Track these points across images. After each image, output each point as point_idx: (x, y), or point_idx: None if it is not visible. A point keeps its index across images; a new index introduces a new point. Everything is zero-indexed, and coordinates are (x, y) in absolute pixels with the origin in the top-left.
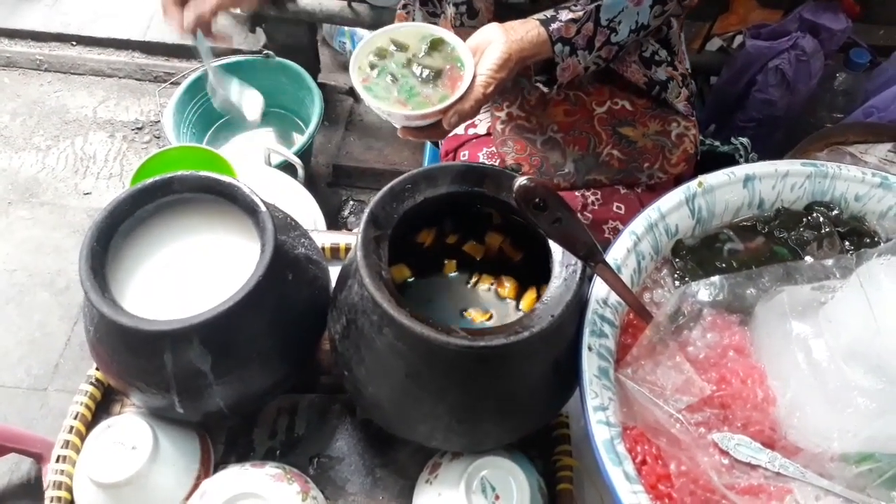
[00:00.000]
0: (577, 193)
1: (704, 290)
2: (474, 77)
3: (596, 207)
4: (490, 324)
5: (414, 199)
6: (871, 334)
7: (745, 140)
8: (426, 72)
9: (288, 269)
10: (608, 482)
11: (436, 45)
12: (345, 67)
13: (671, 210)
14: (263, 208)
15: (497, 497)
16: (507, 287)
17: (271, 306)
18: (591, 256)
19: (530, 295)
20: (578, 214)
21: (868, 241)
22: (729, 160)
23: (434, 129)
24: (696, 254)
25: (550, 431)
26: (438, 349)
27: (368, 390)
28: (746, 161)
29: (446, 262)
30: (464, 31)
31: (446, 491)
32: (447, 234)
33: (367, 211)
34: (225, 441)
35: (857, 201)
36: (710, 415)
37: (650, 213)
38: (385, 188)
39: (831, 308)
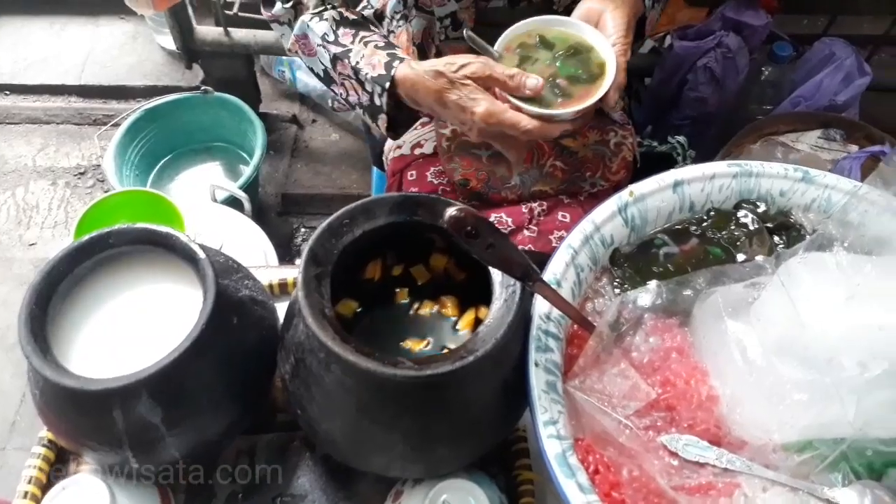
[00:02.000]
0: (523, 208)
1: (643, 295)
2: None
3: (542, 218)
4: (428, 349)
5: (353, 234)
6: (796, 329)
7: (681, 138)
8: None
9: (233, 313)
10: (562, 495)
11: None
12: (286, 96)
13: (605, 221)
14: (202, 255)
15: None
16: (450, 307)
17: (218, 352)
18: (528, 276)
19: (468, 315)
20: (526, 226)
21: (795, 234)
22: (667, 159)
23: (584, 119)
24: (633, 261)
25: (510, 447)
26: (386, 382)
27: (322, 427)
28: (684, 159)
29: (397, 290)
30: (449, 44)
31: None
32: (393, 264)
33: (306, 249)
34: (185, 490)
35: (782, 196)
36: (658, 418)
37: (585, 225)
38: (323, 225)
39: (759, 306)
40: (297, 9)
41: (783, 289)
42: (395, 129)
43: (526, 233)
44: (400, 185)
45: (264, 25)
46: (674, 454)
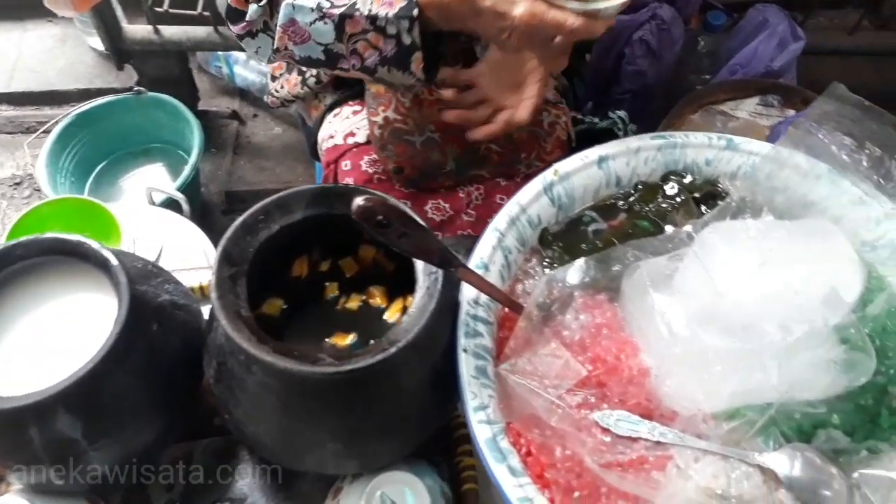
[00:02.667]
0: (460, 193)
1: (572, 273)
2: None
3: (480, 202)
4: (354, 343)
5: (269, 230)
6: (713, 299)
7: (622, 113)
8: None
9: (152, 319)
10: (493, 480)
11: None
12: (225, 92)
13: (531, 202)
14: (115, 262)
15: None
16: (378, 297)
17: (138, 360)
18: (448, 262)
19: (397, 305)
20: (465, 211)
21: (723, 202)
22: (609, 135)
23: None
24: (562, 239)
25: (452, 433)
26: (307, 380)
27: (250, 430)
28: (625, 133)
29: (327, 285)
30: None
31: None
32: (320, 259)
33: (218, 249)
34: (120, 502)
35: (708, 165)
36: (589, 395)
37: (511, 207)
38: (236, 223)
39: (679, 278)
40: (272, 5)
41: (698, 260)
42: (429, 71)
43: (465, 217)
44: (336, 176)
45: (196, 21)
46: (606, 431)
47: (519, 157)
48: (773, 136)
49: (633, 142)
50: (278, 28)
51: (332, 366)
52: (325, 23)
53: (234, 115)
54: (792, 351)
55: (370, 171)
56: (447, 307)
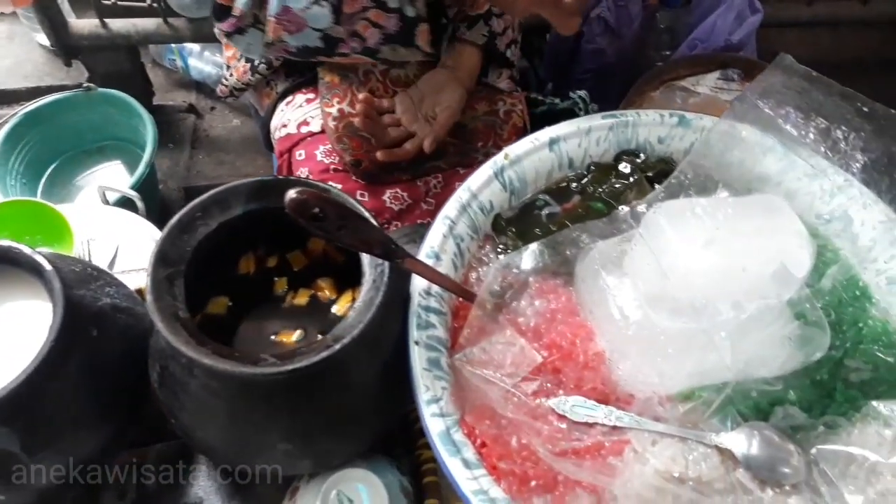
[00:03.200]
0: (419, 182)
1: (526, 259)
2: None
3: (438, 191)
4: (300, 339)
5: (208, 227)
6: (661, 281)
7: (582, 93)
8: None
9: (91, 324)
10: (447, 473)
11: None
12: (181, 85)
13: (482, 187)
14: (48, 267)
15: None
16: (327, 289)
17: (76, 368)
18: (393, 254)
19: (346, 298)
20: (423, 200)
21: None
22: (570, 116)
23: None
24: (516, 225)
25: (412, 426)
26: (250, 382)
27: (197, 434)
28: (587, 113)
29: (276, 280)
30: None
31: None
32: (267, 254)
33: (153, 250)
34: None
35: (660, 143)
36: (545, 382)
37: (461, 194)
38: (172, 221)
39: (628, 260)
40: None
41: (643, 241)
42: (436, 45)
43: (424, 206)
44: (290, 167)
45: (145, 14)
46: (563, 417)
47: (475, 146)
48: None
49: (585, 122)
50: (271, 19)
51: (274, 366)
52: (322, 5)
53: (191, 108)
54: (745, 329)
55: (326, 161)
56: (396, 299)
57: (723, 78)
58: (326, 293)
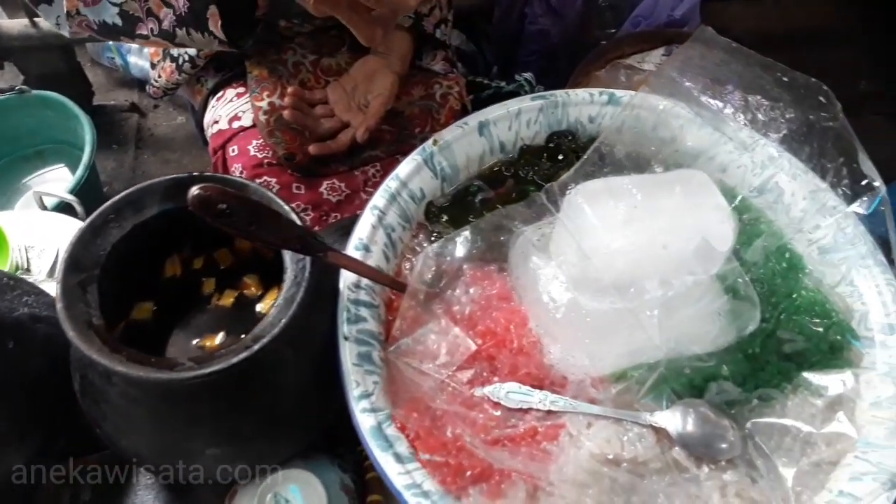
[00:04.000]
0: (357, 172)
1: (458, 245)
2: None
3: (377, 180)
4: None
5: (122, 229)
6: (582, 262)
7: (528, 75)
8: None
9: (6, 336)
10: (378, 468)
11: None
12: (122, 84)
13: (411, 175)
14: None
15: None
16: (253, 287)
17: None
18: (312, 248)
19: (271, 295)
20: (363, 190)
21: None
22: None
23: None
24: (448, 212)
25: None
26: (168, 387)
27: (122, 443)
28: None
29: (204, 280)
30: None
31: None
32: (193, 255)
33: (62, 256)
34: None
35: (591, 123)
36: (480, 370)
37: (389, 183)
38: (82, 225)
39: (553, 243)
40: None
41: (564, 223)
42: (235, 40)
43: (363, 196)
44: (224, 164)
45: None
46: (497, 405)
47: (413, 132)
48: None
49: (514, 105)
50: None
51: (190, 370)
52: None
53: (134, 107)
54: (673, 306)
55: (259, 156)
56: (322, 294)
57: (667, 54)
58: (252, 289)
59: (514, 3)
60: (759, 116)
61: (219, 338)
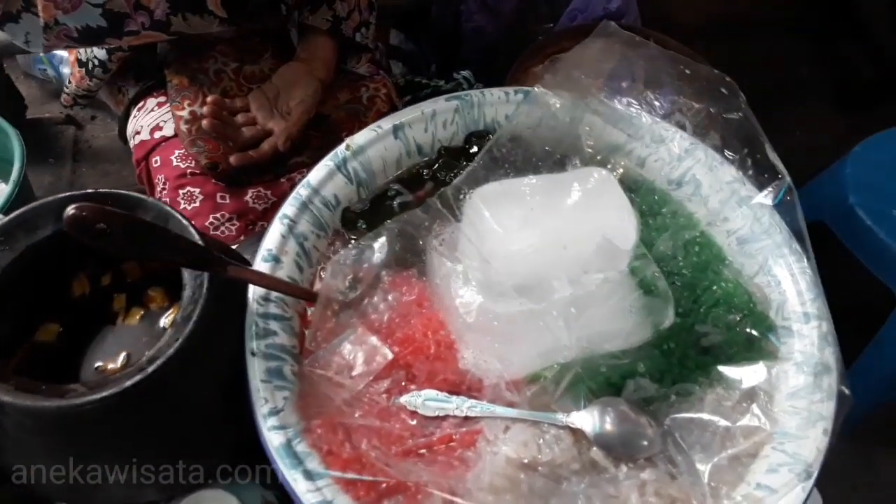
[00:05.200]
0: (283, 179)
1: (377, 252)
2: None
3: None
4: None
5: (13, 252)
6: (483, 266)
7: (466, 73)
8: None
9: None
10: (287, 487)
11: None
12: (57, 95)
13: (323, 181)
14: None
15: None
16: (158, 300)
17: None
18: (207, 263)
19: (176, 309)
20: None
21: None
22: None
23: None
24: (367, 217)
25: None
26: (62, 415)
27: (24, 475)
28: None
29: (116, 296)
30: None
31: None
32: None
33: None
34: None
35: (508, 122)
36: (397, 379)
37: (300, 190)
38: None
39: (459, 247)
40: None
41: (465, 226)
42: (235, 18)
43: None
44: (149, 175)
45: None
46: (414, 413)
47: (339, 136)
48: None
49: (429, 106)
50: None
51: (82, 396)
52: None
53: (70, 119)
54: (583, 305)
55: (182, 166)
56: (226, 310)
57: None
58: (157, 302)
59: (449, 1)
60: (659, 110)
61: (120, 359)
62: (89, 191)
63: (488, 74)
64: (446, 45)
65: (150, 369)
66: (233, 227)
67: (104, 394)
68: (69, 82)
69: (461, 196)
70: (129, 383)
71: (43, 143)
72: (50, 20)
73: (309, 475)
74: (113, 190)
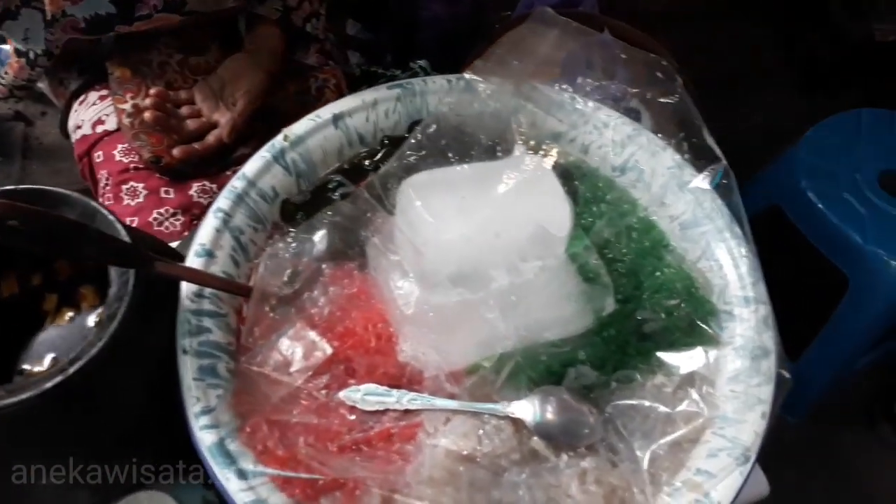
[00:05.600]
0: (228, 172)
1: (318, 244)
2: None
3: None
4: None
5: None
6: (416, 257)
7: (422, 62)
8: None
9: None
10: (218, 486)
11: None
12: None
13: (260, 173)
14: None
15: None
16: (89, 298)
17: None
18: (132, 260)
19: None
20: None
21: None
22: None
23: None
24: (308, 209)
25: None
26: None
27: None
28: None
29: (47, 295)
30: None
31: None
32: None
33: None
34: None
35: (451, 110)
36: (336, 374)
37: (235, 182)
38: None
39: (395, 239)
40: None
41: (395, 219)
42: None
43: None
44: (91, 170)
45: None
46: (353, 408)
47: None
48: None
49: (370, 95)
50: None
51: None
52: None
53: (19, 115)
54: (520, 293)
55: (125, 160)
56: (156, 308)
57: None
58: (87, 301)
59: None
60: (593, 94)
61: (46, 361)
62: (7, 188)
63: (445, 64)
64: (403, 34)
65: (71, 370)
66: (177, 223)
67: (22, 396)
68: (5, 73)
69: (389, 186)
70: (48, 385)
71: None
72: (57, 12)
73: (242, 474)
74: (36, 186)
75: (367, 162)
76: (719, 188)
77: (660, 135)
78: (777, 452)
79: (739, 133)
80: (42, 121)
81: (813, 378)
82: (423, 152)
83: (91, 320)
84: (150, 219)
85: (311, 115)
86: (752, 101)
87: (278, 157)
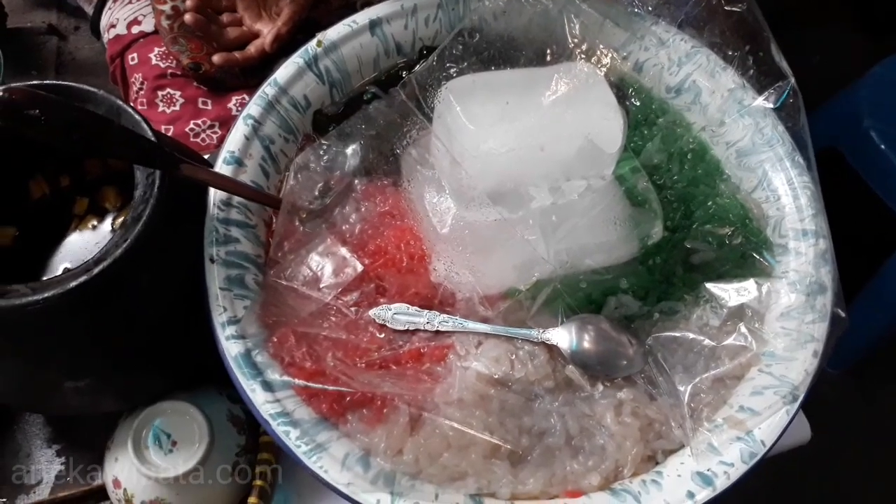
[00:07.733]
0: None
1: (350, 158)
2: None
3: None
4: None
5: None
6: (453, 168)
7: None
8: None
9: None
10: (243, 396)
11: None
12: (39, 4)
13: (292, 80)
14: None
15: (174, 443)
16: (112, 199)
17: None
18: (159, 160)
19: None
20: None
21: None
22: None
23: None
24: (340, 121)
25: None
26: (4, 315)
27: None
28: None
29: (78, 199)
30: None
31: (121, 453)
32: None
33: None
34: None
35: (496, 20)
36: (366, 291)
37: (266, 89)
38: None
39: (432, 150)
40: None
41: (433, 126)
42: None
43: None
44: (123, 73)
45: None
46: (383, 327)
47: None
48: None
49: (409, 1)
50: None
51: (23, 297)
52: None
53: (52, 29)
54: (563, 215)
55: (162, 65)
56: (184, 214)
57: None
58: (110, 203)
59: None
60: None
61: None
62: (32, 82)
63: None
64: None
65: (95, 270)
66: (214, 136)
67: (46, 294)
68: None
69: (429, 89)
70: (73, 284)
71: (24, 54)
72: None
73: (268, 386)
74: (61, 82)
75: (404, 73)
76: (784, 108)
77: (724, 50)
78: (814, 402)
79: (794, 75)
80: (75, 35)
81: (861, 329)
82: (465, 63)
83: (117, 222)
84: (187, 129)
85: (347, 21)
86: (809, 40)
87: (311, 63)
